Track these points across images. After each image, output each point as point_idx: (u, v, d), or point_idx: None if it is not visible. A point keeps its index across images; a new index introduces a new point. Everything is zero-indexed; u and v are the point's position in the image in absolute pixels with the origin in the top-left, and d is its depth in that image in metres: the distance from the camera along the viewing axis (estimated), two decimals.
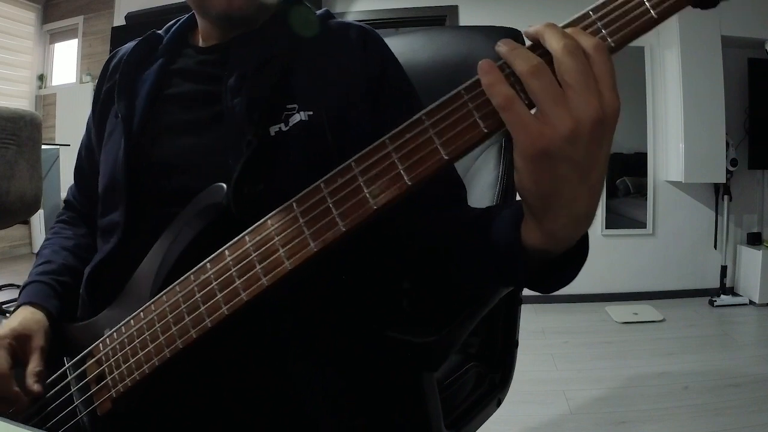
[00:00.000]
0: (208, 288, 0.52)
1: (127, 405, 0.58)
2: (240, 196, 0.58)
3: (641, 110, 3.49)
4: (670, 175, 3.40)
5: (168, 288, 0.55)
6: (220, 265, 0.52)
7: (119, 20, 4.31)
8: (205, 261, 0.53)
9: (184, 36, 0.76)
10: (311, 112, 0.64)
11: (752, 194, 3.50)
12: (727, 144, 3.21)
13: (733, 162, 3.21)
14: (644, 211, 3.53)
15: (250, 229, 0.51)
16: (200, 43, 0.74)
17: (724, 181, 3.28)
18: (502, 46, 0.42)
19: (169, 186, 0.65)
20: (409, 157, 0.44)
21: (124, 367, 0.57)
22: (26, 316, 0.65)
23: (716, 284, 3.37)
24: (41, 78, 4.84)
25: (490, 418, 0.94)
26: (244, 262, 0.50)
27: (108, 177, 0.69)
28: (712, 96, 3.16)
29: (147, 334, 0.55)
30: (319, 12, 0.75)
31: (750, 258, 3.32)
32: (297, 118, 0.64)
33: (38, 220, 4.33)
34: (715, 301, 3.26)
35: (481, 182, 0.91)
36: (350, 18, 3.54)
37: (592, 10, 0.42)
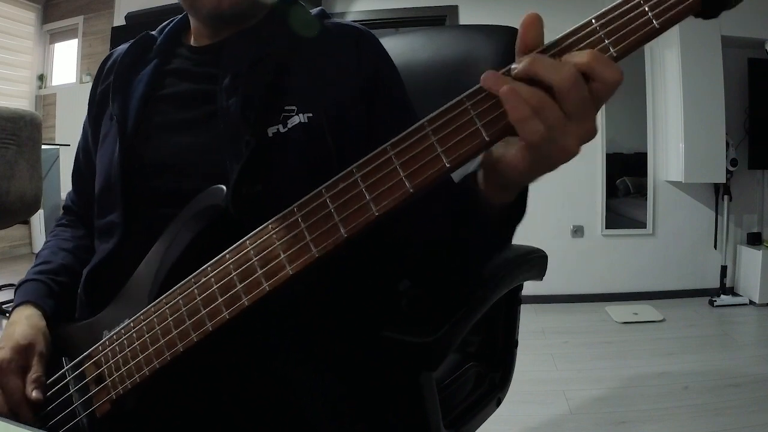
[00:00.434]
0: (209, 291, 0.52)
1: (127, 407, 0.58)
2: (239, 197, 0.58)
3: (641, 110, 3.49)
4: (670, 175, 3.40)
5: (168, 291, 0.55)
6: (221, 268, 0.51)
7: (119, 20, 4.31)
8: (206, 265, 0.53)
9: (177, 36, 0.76)
10: (311, 114, 0.64)
11: (752, 194, 3.50)
12: (727, 144, 3.21)
13: (733, 162, 3.21)
14: (644, 211, 3.53)
15: (251, 233, 0.50)
16: (194, 43, 0.74)
17: (724, 181, 3.28)
18: (527, 60, 0.41)
19: (165, 186, 0.65)
20: (410, 164, 0.44)
21: (123, 369, 0.57)
22: (24, 323, 0.64)
23: (716, 284, 3.37)
24: (41, 78, 4.84)
25: (490, 418, 0.94)
26: (245, 266, 0.50)
27: (103, 178, 0.69)
28: (712, 96, 3.16)
29: (147, 336, 0.55)
30: (314, 11, 0.74)
31: (750, 258, 3.32)
32: (296, 120, 0.64)
33: (38, 220, 4.34)
34: (715, 301, 3.26)
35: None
36: (350, 18, 3.54)
37: (594, 18, 0.42)
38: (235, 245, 0.51)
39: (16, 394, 0.60)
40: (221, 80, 0.65)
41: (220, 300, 0.51)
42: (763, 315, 3.11)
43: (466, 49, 0.99)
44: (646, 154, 3.52)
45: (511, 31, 0.97)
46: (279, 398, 0.61)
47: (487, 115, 0.42)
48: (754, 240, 3.41)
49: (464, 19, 3.59)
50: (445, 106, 0.44)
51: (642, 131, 3.50)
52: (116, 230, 0.66)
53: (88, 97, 0.79)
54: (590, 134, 0.42)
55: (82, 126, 0.81)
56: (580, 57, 0.40)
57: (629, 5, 0.41)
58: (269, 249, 0.49)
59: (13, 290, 3.30)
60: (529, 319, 3.04)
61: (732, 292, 3.38)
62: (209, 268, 0.52)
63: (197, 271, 0.53)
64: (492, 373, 0.97)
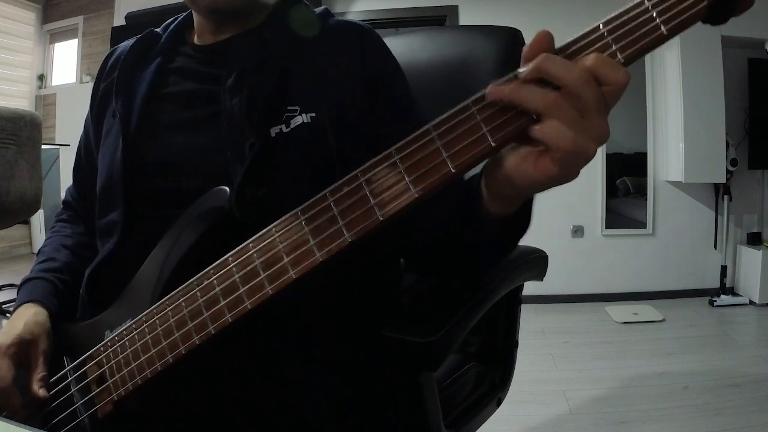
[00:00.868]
0: (211, 294, 0.52)
1: (129, 408, 0.58)
2: (243, 199, 0.58)
3: (641, 110, 3.49)
4: (670, 175, 3.41)
5: (171, 293, 0.55)
6: (224, 271, 0.51)
7: (119, 20, 4.31)
8: (208, 267, 0.52)
9: (181, 34, 0.76)
10: (313, 114, 0.64)
11: (752, 194, 3.50)
12: (727, 144, 3.21)
13: (733, 162, 3.21)
14: (644, 211, 3.53)
15: (254, 237, 0.50)
16: (197, 41, 0.74)
17: (724, 181, 3.28)
18: (539, 59, 0.41)
19: (167, 186, 0.65)
20: (416, 168, 0.44)
21: (125, 370, 0.56)
22: (29, 319, 0.64)
23: (716, 284, 3.37)
24: (41, 78, 4.84)
25: (490, 418, 0.94)
26: (248, 268, 0.50)
27: (105, 177, 0.69)
28: (712, 96, 3.16)
29: (149, 337, 0.55)
30: (317, 10, 0.74)
31: (750, 258, 3.32)
32: (299, 120, 0.64)
33: (38, 220, 4.34)
34: (715, 301, 3.26)
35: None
36: (350, 18, 3.53)
37: (602, 23, 0.41)
38: (238, 248, 0.51)
39: (4, 380, 0.60)
40: (225, 80, 0.65)
41: (222, 303, 0.51)
42: (763, 315, 3.11)
43: (466, 49, 0.99)
44: (646, 154, 3.52)
45: (511, 32, 0.97)
46: (281, 400, 0.61)
47: (494, 120, 0.42)
48: (754, 240, 3.41)
49: (464, 19, 3.59)
50: (451, 111, 0.43)
51: (642, 131, 3.50)
52: (117, 229, 0.66)
53: (88, 97, 0.79)
54: (604, 134, 0.41)
55: (82, 126, 0.81)
56: (585, 61, 0.40)
57: (637, 11, 0.41)
58: (272, 252, 0.49)
59: (13, 290, 3.30)
60: (529, 319, 3.04)
61: (732, 292, 3.38)
62: (212, 271, 0.52)
63: (200, 274, 0.53)
64: (492, 373, 0.97)
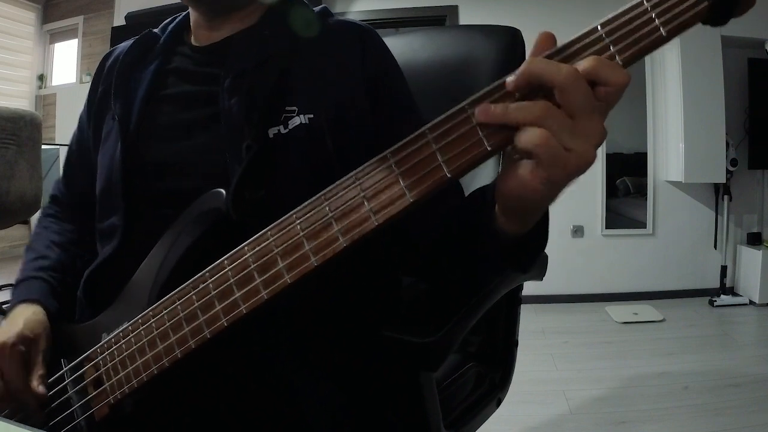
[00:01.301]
0: (207, 297, 0.51)
1: (125, 411, 0.58)
2: (240, 201, 0.58)
3: (641, 110, 3.49)
4: (670, 175, 3.40)
5: (166, 296, 0.55)
6: (219, 274, 0.51)
7: (119, 20, 4.30)
8: (204, 270, 0.52)
9: (180, 35, 0.76)
10: (312, 115, 0.64)
11: (752, 194, 3.50)
12: (727, 144, 3.21)
13: (733, 162, 3.21)
14: (644, 211, 3.53)
15: (249, 240, 0.50)
16: (195, 42, 0.73)
17: (724, 181, 3.28)
18: (525, 63, 0.40)
19: (167, 187, 0.65)
20: (411, 173, 0.43)
21: (122, 373, 0.56)
22: (29, 317, 0.64)
23: (716, 284, 3.37)
24: (41, 78, 4.84)
25: (490, 418, 0.94)
26: (244, 273, 0.50)
27: (105, 179, 0.69)
28: (712, 96, 3.16)
29: (145, 341, 0.55)
30: (317, 9, 0.73)
31: (750, 258, 3.32)
32: (297, 121, 0.63)
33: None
34: (715, 301, 3.26)
35: (481, 180, 0.91)
36: (350, 18, 3.53)
37: (600, 25, 0.41)
38: (233, 251, 0.51)
39: (16, 381, 0.60)
40: (223, 81, 0.65)
41: (218, 307, 0.51)
42: (763, 315, 3.11)
43: (466, 49, 0.99)
44: (646, 154, 3.52)
45: (511, 32, 0.97)
46: (276, 407, 0.61)
47: (490, 124, 0.41)
48: (754, 240, 3.41)
49: (464, 19, 3.59)
50: (447, 114, 0.43)
51: (642, 131, 3.50)
52: (117, 232, 0.66)
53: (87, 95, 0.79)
54: (600, 135, 0.40)
55: None
56: (584, 63, 0.39)
57: (636, 12, 0.40)
58: (268, 256, 0.48)
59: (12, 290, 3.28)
60: (529, 319, 3.04)
61: (732, 292, 3.38)
62: (207, 274, 0.52)
63: (195, 277, 0.53)
64: (492, 373, 0.97)
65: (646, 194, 3.53)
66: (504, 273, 0.64)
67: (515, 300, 0.98)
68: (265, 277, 0.48)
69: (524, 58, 1.01)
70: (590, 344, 2.75)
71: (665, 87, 3.40)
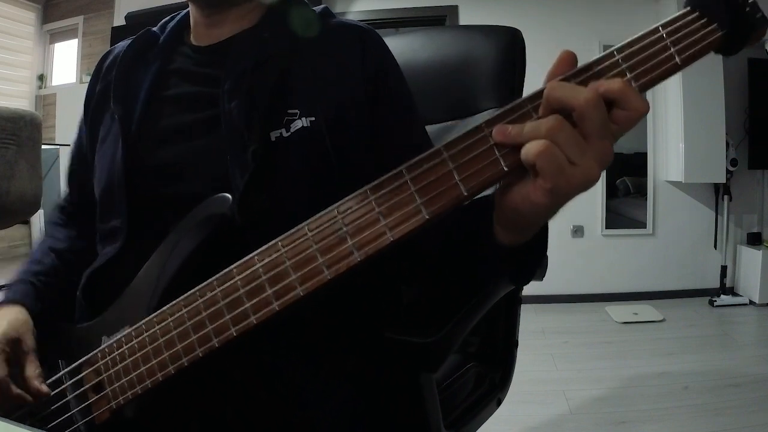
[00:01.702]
0: (216, 307, 0.51)
1: (127, 416, 0.57)
2: (246, 207, 0.57)
3: None
4: (670, 175, 3.40)
5: (172, 302, 0.54)
6: (228, 284, 0.50)
7: (119, 20, 4.30)
8: (211, 279, 0.52)
9: (180, 34, 0.75)
10: (313, 118, 0.63)
11: (752, 194, 3.50)
12: (727, 144, 3.21)
13: (733, 162, 3.21)
14: (644, 211, 3.53)
15: (259, 249, 0.49)
16: (195, 42, 0.73)
17: (724, 181, 3.28)
18: (546, 89, 0.41)
19: (168, 190, 0.64)
20: (427, 190, 0.43)
21: (125, 379, 0.56)
22: (11, 318, 0.64)
23: (716, 284, 3.37)
24: (41, 78, 4.84)
25: (490, 418, 0.94)
26: (254, 284, 0.49)
27: (105, 180, 0.68)
28: (712, 96, 3.16)
29: (150, 347, 0.54)
30: (317, 9, 0.73)
31: (750, 258, 3.32)
32: (299, 124, 0.63)
33: (38, 220, 4.32)
34: (715, 301, 3.26)
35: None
36: (350, 18, 3.53)
37: (616, 50, 0.41)
38: (242, 261, 0.50)
39: (3, 379, 0.59)
40: (223, 82, 0.65)
41: (227, 316, 0.50)
42: (763, 315, 3.11)
43: (466, 49, 0.99)
44: (646, 154, 3.52)
45: (511, 31, 0.97)
46: (286, 411, 0.61)
47: (506, 144, 0.42)
48: (754, 240, 3.41)
49: (464, 19, 3.59)
50: (464, 132, 0.43)
51: (642, 131, 3.50)
52: (120, 234, 0.65)
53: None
54: (608, 156, 0.41)
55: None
56: (611, 84, 0.40)
57: (651, 39, 0.41)
58: (279, 268, 0.48)
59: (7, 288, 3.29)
60: (529, 319, 3.04)
61: (732, 292, 3.38)
62: (215, 283, 0.51)
63: (202, 285, 0.52)
64: (492, 373, 0.97)
65: (646, 194, 3.53)
66: (503, 278, 0.64)
67: (515, 300, 0.98)
68: (276, 288, 0.48)
69: (524, 59, 1.01)
70: (590, 344, 2.75)
71: (665, 87, 3.40)
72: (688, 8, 0.42)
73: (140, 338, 0.55)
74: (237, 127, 0.62)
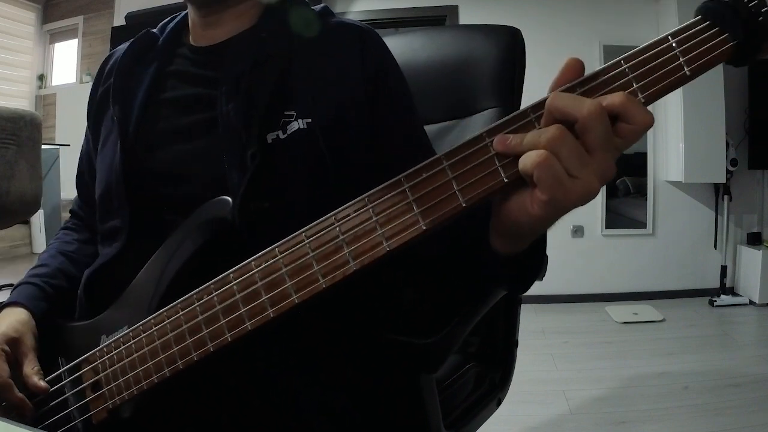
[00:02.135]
0: (212, 312, 0.51)
1: (123, 416, 0.57)
2: (246, 211, 0.57)
3: None
4: (670, 175, 3.40)
5: (170, 305, 0.54)
6: (224, 288, 0.50)
7: (119, 20, 4.30)
8: (209, 283, 0.52)
9: (179, 35, 0.75)
10: (309, 120, 0.63)
11: (752, 194, 3.50)
12: (727, 144, 3.21)
13: (733, 162, 3.21)
14: (644, 211, 3.53)
15: (256, 255, 0.49)
16: (194, 43, 0.72)
17: (724, 181, 3.29)
18: (549, 100, 0.40)
19: (167, 192, 0.64)
20: (425, 200, 0.43)
21: (122, 379, 0.56)
22: (12, 319, 0.64)
23: (716, 284, 3.37)
24: (41, 78, 4.84)
25: (490, 418, 0.94)
26: (250, 290, 0.49)
27: (105, 182, 0.68)
28: (712, 96, 3.16)
29: (147, 349, 0.54)
30: (317, 8, 0.72)
31: (750, 258, 3.32)
32: (296, 126, 0.62)
33: (38, 220, 4.33)
34: (715, 301, 3.26)
35: None
36: (350, 18, 3.53)
37: (623, 59, 0.40)
38: (239, 266, 0.50)
39: (3, 378, 0.60)
40: (221, 84, 0.64)
41: (222, 321, 0.50)
42: (763, 315, 3.11)
43: (466, 49, 0.99)
44: (646, 154, 3.52)
45: (511, 31, 0.97)
46: (281, 416, 0.61)
47: (507, 155, 0.41)
48: (754, 240, 3.41)
49: (464, 19, 3.59)
50: (465, 141, 0.42)
51: None
52: (119, 235, 0.65)
53: (87, 97, 0.78)
54: (609, 172, 0.40)
55: (82, 126, 0.80)
56: (613, 98, 0.39)
57: (660, 48, 0.40)
58: (275, 275, 0.48)
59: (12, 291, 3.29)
60: (529, 319, 3.04)
61: (732, 292, 3.38)
62: (212, 287, 0.51)
63: (200, 288, 0.52)
64: (492, 373, 0.97)
65: (646, 194, 3.53)
66: (502, 285, 0.64)
67: (515, 300, 0.98)
68: (271, 295, 0.48)
69: (524, 59, 1.01)
70: (590, 344, 2.75)
71: None
72: (699, 17, 0.41)
73: (137, 339, 0.56)
74: (234, 129, 0.61)
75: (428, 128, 0.75)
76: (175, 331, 0.53)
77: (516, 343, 1.00)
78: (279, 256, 0.48)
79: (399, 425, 0.70)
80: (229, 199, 0.57)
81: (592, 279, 3.50)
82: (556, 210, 0.41)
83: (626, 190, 3.65)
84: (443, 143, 0.92)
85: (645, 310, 3.15)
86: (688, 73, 0.40)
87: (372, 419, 0.66)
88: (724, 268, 3.35)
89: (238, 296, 0.49)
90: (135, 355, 0.55)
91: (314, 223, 0.47)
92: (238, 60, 0.66)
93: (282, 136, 0.62)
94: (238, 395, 0.61)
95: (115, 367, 0.57)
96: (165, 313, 0.54)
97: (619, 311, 3.17)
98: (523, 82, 0.95)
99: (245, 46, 0.67)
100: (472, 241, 0.52)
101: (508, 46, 0.95)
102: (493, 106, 0.92)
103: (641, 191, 3.57)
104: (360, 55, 0.67)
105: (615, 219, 3.56)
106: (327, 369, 0.64)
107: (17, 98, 4.63)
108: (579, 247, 3.51)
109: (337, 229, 0.46)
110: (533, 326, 2.99)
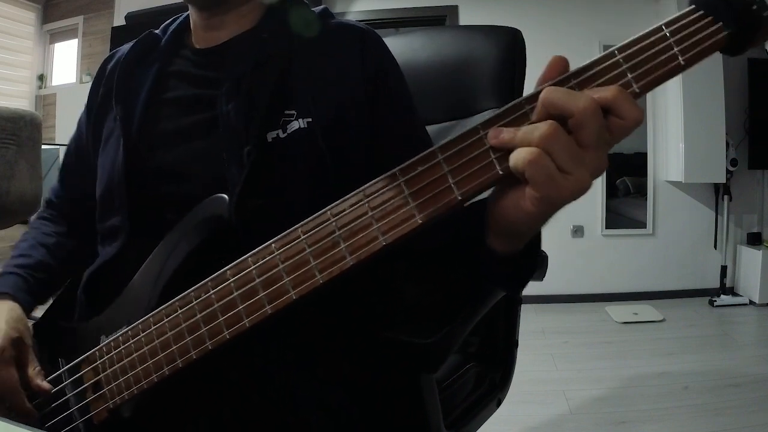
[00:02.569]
0: (210, 309, 0.51)
1: (124, 416, 0.58)
2: (243, 208, 0.58)
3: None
4: (670, 175, 3.41)
5: (167, 303, 0.54)
6: (222, 286, 0.50)
7: (119, 20, 4.30)
8: (206, 280, 0.52)
9: (181, 36, 0.75)
10: (310, 119, 0.63)
11: (752, 194, 3.50)
12: (727, 144, 3.21)
13: (733, 162, 3.21)
14: (644, 211, 3.53)
15: (253, 251, 0.49)
16: (195, 44, 0.73)
17: (724, 181, 3.29)
18: (543, 93, 0.40)
19: (168, 192, 0.64)
20: (421, 194, 0.42)
21: (122, 379, 0.56)
22: (9, 317, 0.64)
23: (716, 284, 3.37)
24: (41, 78, 4.84)
25: (490, 418, 0.94)
26: (247, 287, 0.49)
27: (106, 181, 0.68)
28: (712, 96, 3.16)
29: (146, 348, 0.55)
30: (317, 9, 0.73)
31: (750, 258, 3.32)
32: (296, 125, 0.63)
33: None
34: (715, 301, 3.26)
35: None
36: (350, 18, 3.53)
37: (617, 49, 0.40)
38: (236, 263, 0.50)
39: (9, 382, 0.60)
40: (222, 84, 0.65)
41: (221, 319, 0.50)
42: (763, 315, 3.11)
43: (466, 49, 0.99)
44: (646, 154, 3.52)
45: (511, 32, 0.97)
46: (281, 413, 0.61)
47: (501, 147, 0.41)
48: (754, 240, 3.41)
49: (464, 19, 3.59)
50: (460, 134, 0.42)
51: (642, 131, 3.50)
52: (120, 234, 0.65)
53: (87, 96, 0.78)
54: (602, 166, 0.40)
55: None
56: (603, 92, 0.39)
57: (654, 38, 0.40)
58: (273, 271, 0.48)
59: None
60: (529, 319, 3.04)
61: (732, 292, 3.38)
62: (210, 284, 0.51)
63: (197, 286, 0.52)
64: (492, 373, 0.97)
65: (646, 194, 3.53)
66: (499, 284, 0.64)
67: (515, 300, 0.98)
68: (269, 291, 0.48)
69: (524, 59, 1.01)
70: (590, 344, 2.75)
71: (665, 87, 3.38)
72: (692, 7, 0.41)
73: (137, 338, 0.56)
74: (234, 129, 0.62)
75: (428, 128, 0.75)
76: (174, 330, 0.53)
77: (516, 343, 1.00)
78: (276, 252, 0.48)
79: (399, 425, 0.70)
80: (225, 196, 0.57)
81: (592, 279, 3.50)
82: (550, 206, 0.40)
83: (626, 190, 3.66)
84: None
85: (645, 310, 3.15)
86: (682, 62, 0.40)
87: (370, 415, 0.66)
88: (724, 268, 3.35)
89: (235, 294, 0.50)
90: (135, 354, 0.55)
91: (310, 218, 0.47)
92: (239, 61, 0.66)
93: (282, 135, 0.62)
94: (235, 391, 0.61)
95: (114, 367, 0.57)
96: (163, 312, 0.54)
97: (619, 311, 3.17)
98: (523, 83, 0.96)
99: (246, 47, 0.67)
100: (469, 240, 0.52)
101: (509, 47, 0.95)
102: (493, 107, 0.92)
103: (641, 191, 3.57)
104: (360, 55, 0.68)
105: (615, 219, 3.56)
106: (324, 364, 0.64)
107: (17, 98, 4.63)
108: (579, 247, 3.51)
109: (334, 224, 0.46)
110: (533, 326, 2.99)
